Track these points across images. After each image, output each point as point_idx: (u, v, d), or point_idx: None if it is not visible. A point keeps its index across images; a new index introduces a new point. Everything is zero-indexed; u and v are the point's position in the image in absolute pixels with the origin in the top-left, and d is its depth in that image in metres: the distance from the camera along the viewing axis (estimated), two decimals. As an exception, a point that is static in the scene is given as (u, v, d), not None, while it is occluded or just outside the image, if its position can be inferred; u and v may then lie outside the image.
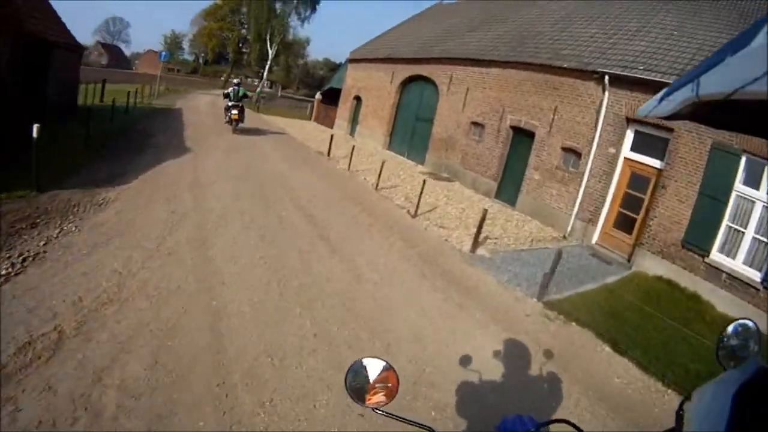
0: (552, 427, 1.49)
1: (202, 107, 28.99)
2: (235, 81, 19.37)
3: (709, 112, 1.28)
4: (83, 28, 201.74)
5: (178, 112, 24.27)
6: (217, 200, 8.39)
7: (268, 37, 41.63)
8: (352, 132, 23.47)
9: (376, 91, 21.13)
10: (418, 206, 10.02)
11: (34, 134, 7.35)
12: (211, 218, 7.38)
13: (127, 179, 8.88)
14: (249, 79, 63.83)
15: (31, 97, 12.52)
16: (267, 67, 43.64)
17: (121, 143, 12.57)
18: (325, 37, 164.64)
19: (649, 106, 1.34)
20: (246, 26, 52.85)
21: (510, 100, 13.25)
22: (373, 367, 1.49)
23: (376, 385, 1.48)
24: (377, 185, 11.78)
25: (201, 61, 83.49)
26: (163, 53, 32.72)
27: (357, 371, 1.48)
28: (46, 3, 14.86)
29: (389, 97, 19.87)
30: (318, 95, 31.01)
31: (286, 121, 27.70)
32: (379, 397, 1.48)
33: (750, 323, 1.52)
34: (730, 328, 1.54)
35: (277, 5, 41.58)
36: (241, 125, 18.35)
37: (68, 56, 15.93)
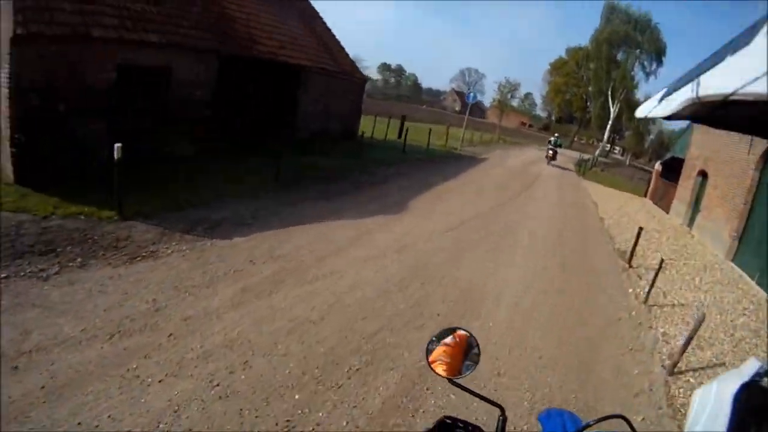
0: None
1: (516, 164, 26.10)
2: (556, 134, 31.94)
3: (709, 112, 1.42)
4: (443, 76, 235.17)
5: (473, 162, 22.33)
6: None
7: (609, 92, 36.43)
8: (690, 222, 16.69)
9: (726, 166, 13.92)
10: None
11: (116, 155, 6.59)
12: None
13: (230, 232, 7.07)
14: (599, 143, 56.99)
15: (269, 117, 14.02)
16: (608, 127, 38.29)
17: (324, 184, 11.15)
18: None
19: (649, 106, 1.45)
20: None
21: None
22: (459, 339, 1.55)
23: (464, 358, 1.52)
24: (677, 363, 5.50)
25: (553, 118, 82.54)
26: (471, 95, 32.64)
27: (441, 336, 1.57)
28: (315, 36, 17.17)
29: (743, 175, 12.60)
30: (657, 165, 23.95)
31: (609, 193, 22.29)
32: (441, 368, 1.50)
33: None
34: None
35: (619, 55, 36.04)
36: (554, 162, 29.03)
37: (340, 84, 17.74)
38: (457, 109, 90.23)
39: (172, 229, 6.77)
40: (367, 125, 22.49)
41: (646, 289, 7.94)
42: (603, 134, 41.88)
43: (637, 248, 10.03)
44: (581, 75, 52.86)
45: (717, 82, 1.09)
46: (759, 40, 0.99)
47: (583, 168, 31.50)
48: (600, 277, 8.71)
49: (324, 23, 19.44)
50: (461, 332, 1.57)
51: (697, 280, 9.85)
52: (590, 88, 41.93)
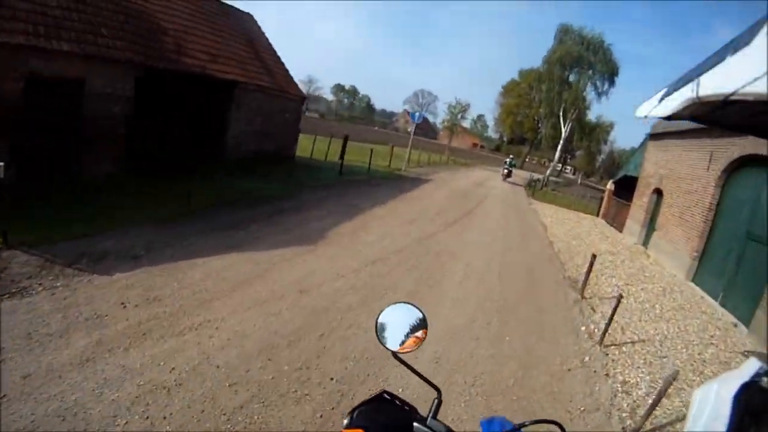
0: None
1: (461, 185, 24.91)
2: (510, 156, 37.49)
3: (709, 112, 1.34)
4: (397, 98, 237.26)
5: (416, 183, 21.25)
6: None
7: (560, 113, 36.49)
8: (645, 241, 16.20)
9: (685, 183, 13.67)
10: None
11: (-1, 175, 5.65)
12: None
13: (114, 267, 5.91)
14: (551, 162, 56.88)
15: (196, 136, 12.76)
16: (559, 147, 38.40)
17: (243, 209, 9.86)
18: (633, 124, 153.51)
19: (649, 106, 1.37)
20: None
21: None
22: (409, 315, 1.61)
23: (412, 334, 1.58)
24: (639, 429, 4.54)
25: (504, 139, 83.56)
26: (416, 114, 32.38)
27: (390, 316, 1.61)
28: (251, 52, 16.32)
29: (703, 193, 12.22)
30: (609, 184, 23.64)
31: (560, 214, 21.65)
32: (409, 346, 1.57)
33: None
34: None
35: (571, 77, 36.28)
36: (509, 179, 33.34)
37: (276, 102, 16.55)
38: (409, 130, 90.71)
39: (55, 260, 5.80)
40: (307, 145, 21.33)
41: (602, 325, 6.92)
42: (554, 154, 41.93)
43: (591, 273, 9.11)
44: (533, 96, 53.13)
45: (717, 82, 1.07)
46: (759, 40, 0.97)
47: (533, 188, 31.12)
48: (548, 316, 7.51)
49: (266, 39, 18.42)
50: (425, 330, 1.62)
51: (657, 308, 9.05)
52: (541, 109, 41.98)
